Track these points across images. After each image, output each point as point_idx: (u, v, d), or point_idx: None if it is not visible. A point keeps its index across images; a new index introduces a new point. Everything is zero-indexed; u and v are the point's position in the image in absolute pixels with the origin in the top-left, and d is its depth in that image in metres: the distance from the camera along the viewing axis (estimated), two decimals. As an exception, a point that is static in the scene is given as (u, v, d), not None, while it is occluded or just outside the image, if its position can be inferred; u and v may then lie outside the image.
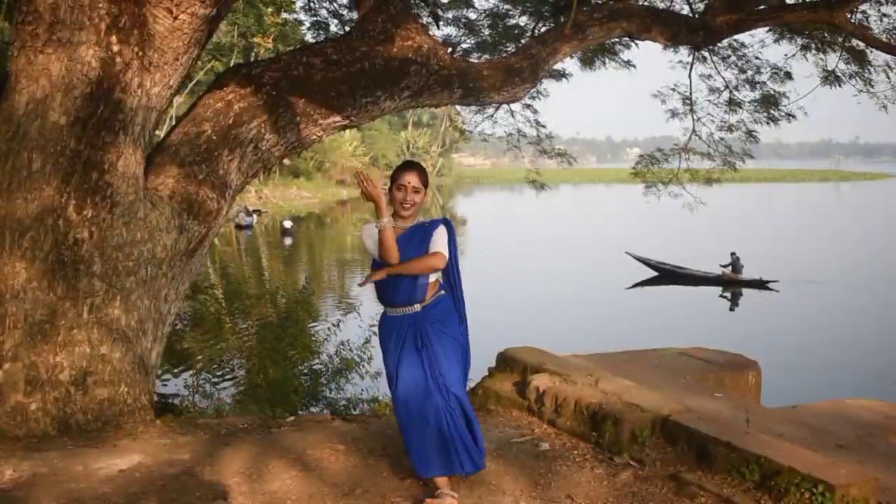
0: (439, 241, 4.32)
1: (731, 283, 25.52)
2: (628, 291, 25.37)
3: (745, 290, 25.26)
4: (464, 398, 4.34)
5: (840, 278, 26.48)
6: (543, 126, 12.06)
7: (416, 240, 4.33)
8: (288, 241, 37.77)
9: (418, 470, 4.32)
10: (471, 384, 7.26)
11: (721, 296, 25.08)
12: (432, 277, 4.39)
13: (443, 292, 4.48)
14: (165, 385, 11.45)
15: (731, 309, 24.02)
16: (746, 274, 25.51)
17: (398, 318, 4.37)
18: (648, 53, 12.16)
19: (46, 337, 5.03)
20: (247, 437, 5.14)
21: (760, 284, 24.94)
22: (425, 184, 4.37)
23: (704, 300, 24.12)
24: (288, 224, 39.77)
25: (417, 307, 4.35)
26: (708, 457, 4.71)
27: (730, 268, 25.75)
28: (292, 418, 6.07)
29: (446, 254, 4.33)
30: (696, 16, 8.90)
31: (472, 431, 4.33)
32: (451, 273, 4.52)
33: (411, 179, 4.31)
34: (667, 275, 26.75)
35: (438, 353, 4.30)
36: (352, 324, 10.81)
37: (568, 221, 48.31)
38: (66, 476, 4.37)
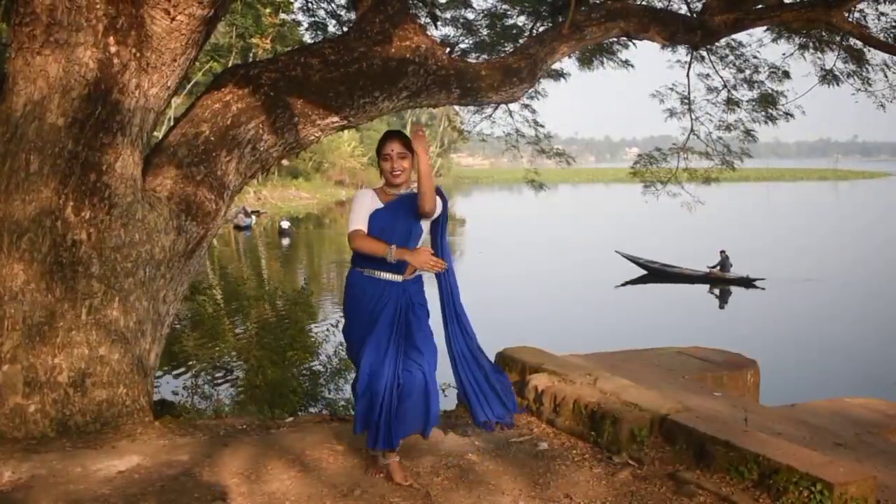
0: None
1: (718, 280, 25.92)
2: (626, 291, 25.44)
3: (746, 289, 25.44)
4: (431, 378, 4.34)
5: (838, 276, 26.50)
6: (542, 126, 12.10)
7: (402, 210, 4.33)
8: (286, 241, 38.10)
9: (357, 428, 4.42)
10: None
11: (710, 293, 25.45)
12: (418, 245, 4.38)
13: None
14: (164, 386, 11.45)
15: (721, 307, 24.26)
16: (734, 272, 25.85)
17: (380, 282, 4.35)
18: (647, 53, 12.18)
19: (45, 338, 5.02)
20: (245, 438, 5.13)
21: (747, 282, 25.38)
22: (411, 148, 4.35)
23: (701, 299, 24.15)
24: (285, 225, 40.01)
25: (400, 278, 4.34)
26: (706, 456, 4.72)
27: (718, 266, 26.13)
28: (291, 419, 6.07)
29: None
30: (694, 15, 8.91)
31: (427, 408, 4.34)
32: (441, 247, 4.54)
33: (394, 147, 4.34)
34: (655, 273, 27.23)
35: (415, 330, 4.32)
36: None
37: (566, 221, 48.32)
38: (65, 478, 4.37)
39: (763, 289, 24.90)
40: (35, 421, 5.02)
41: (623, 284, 26.33)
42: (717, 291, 25.55)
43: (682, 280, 26.47)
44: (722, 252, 26.19)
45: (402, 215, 4.31)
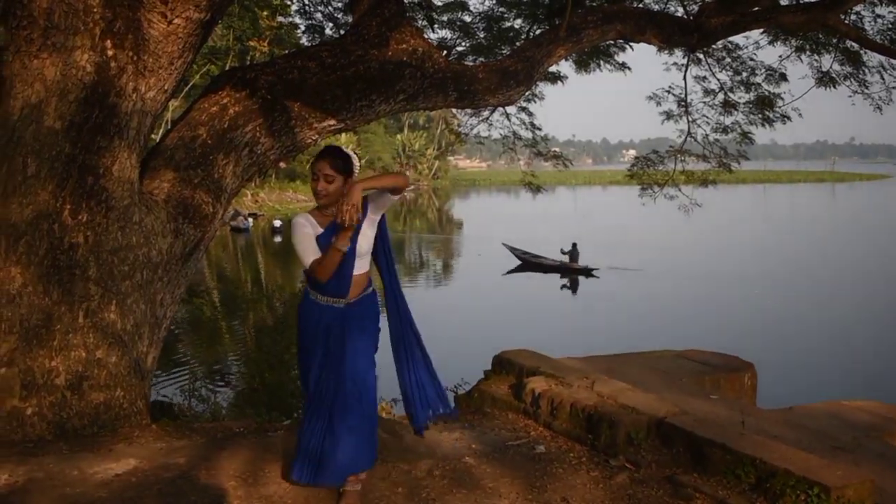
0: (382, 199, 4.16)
1: (568, 270, 28.75)
2: (621, 292, 25.56)
3: (586, 278, 27.84)
4: (366, 411, 4.17)
5: (836, 277, 26.56)
6: (539, 128, 12.12)
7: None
8: (278, 238, 40.58)
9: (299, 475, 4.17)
10: (467, 387, 7.29)
11: (561, 279, 28.11)
12: (361, 269, 4.18)
13: (371, 289, 4.28)
14: (161, 389, 11.44)
15: (574, 293, 26.50)
16: (581, 263, 28.72)
17: (322, 307, 4.18)
18: (644, 55, 12.18)
19: (42, 341, 5.02)
20: (243, 441, 5.13)
21: (587, 272, 28.21)
22: (342, 170, 4.10)
23: (698, 301, 24.15)
24: (277, 224, 42.94)
25: (342, 302, 4.17)
26: (704, 459, 4.72)
27: (568, 257, 28.98)
28: (288, 422, 6.06)
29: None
30: (691, 18, 8.92)
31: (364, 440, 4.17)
32: (385, 263, 4.39)
33: (322, 167, 4.09)
34: (527, 263, 30.06)
35: (348, 352, 4.14)
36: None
37: (561, 224, 48.32)
38: (62, 481, 4.37)
39: (598, 277, 27.58)
40: (32, 424, 5.01)
41: (506, 274, 28.73)
42: (567, 280, 27.97)
43: (544, 269, 29.12)
44: (574, 245, 28.83)
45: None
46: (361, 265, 4.20)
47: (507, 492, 4.48)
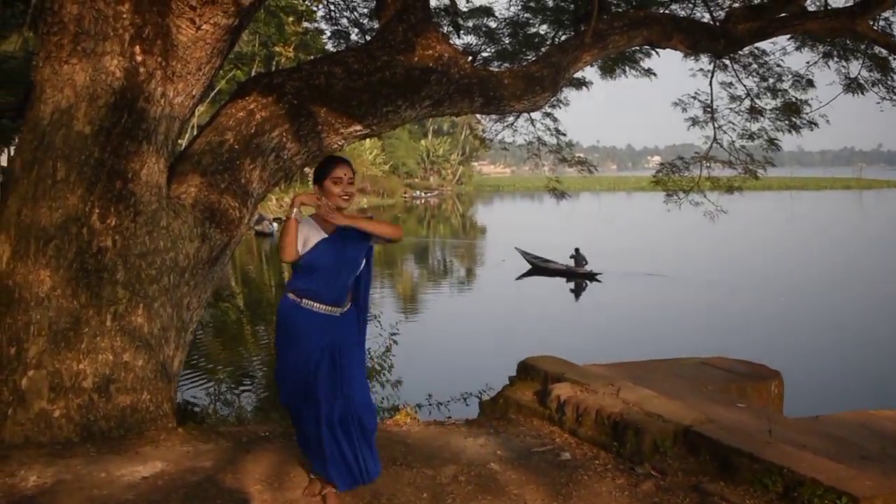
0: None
1: (573, 274, 29.57)
2: (645, 298, 25.44)
3: (590, 281, 28.45)
4: (365, 413, 4.20)
5: (864, 285, 26.28)
6: (563, 134, 12.08)
7: (350, 238, 4.18)
8: None
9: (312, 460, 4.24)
10: (492, 392, 7.27)
11: (567, 283, 28.78)
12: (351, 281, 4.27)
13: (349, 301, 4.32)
14: (187, 392, 11.51)
15: (576, 298, 26.73)
16: (588, 268, 29.34)
17: (320, 315, 4.16)
18: (669, 61, 12.13)
19: (70, 344, 5.07)
20: (268, 445, 5.15)
21: (591, 277, 28.90)
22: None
23: (724, 308, 23.99)
24: None
25: (338, 311, 4.20)
26: (730, 468, 4.68)
27: (573, 261, 29.66)
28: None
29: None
30: (717, 24, 8.87)
31: (355, 444, 4.17)
32: (365, 278, 4.38)
33: (347, 172, 4.27)
34: (537, 268, 30.98)
35: (351, 361, 4.18)
36: (372, 332, 10.82)
37: (585, 229, 48.25)
38: (90, 483, 4.40)
39: (601, 282, 28.16)
40: (60, 426, 5.06)
41: (518, 278, 29.40)
42: (572, 284, 28.65)
43: (552, 274, 29.90)
44: (577, 249, 29.49)
45: (350, 243, 4.18)
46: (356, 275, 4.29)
47: (532, 498, 4.46)
